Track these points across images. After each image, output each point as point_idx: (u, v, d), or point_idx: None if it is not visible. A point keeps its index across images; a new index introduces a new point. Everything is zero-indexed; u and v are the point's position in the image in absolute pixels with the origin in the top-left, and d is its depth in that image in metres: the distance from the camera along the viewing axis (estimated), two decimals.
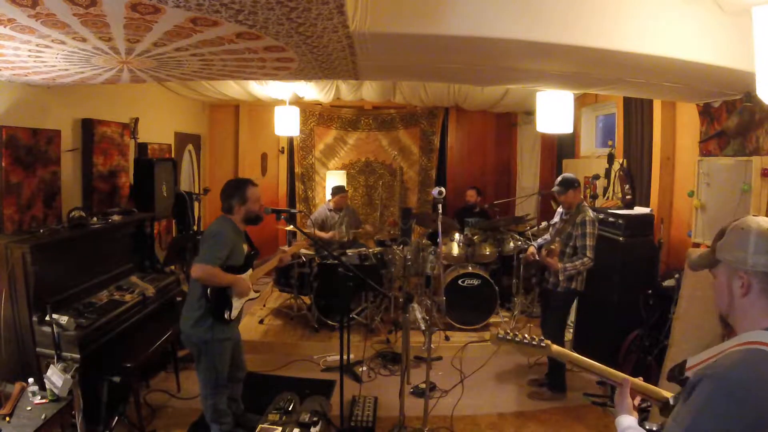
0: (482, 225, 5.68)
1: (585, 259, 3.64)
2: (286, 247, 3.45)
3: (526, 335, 1.67)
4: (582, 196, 3.91)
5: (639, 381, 1.51)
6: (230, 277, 2.83)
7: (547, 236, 4.17)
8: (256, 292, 3.14)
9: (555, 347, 1.64)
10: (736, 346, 1.16)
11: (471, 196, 6.44)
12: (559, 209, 4.04)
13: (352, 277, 3.32)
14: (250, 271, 3.05)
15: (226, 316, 2.86)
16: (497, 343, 1.69)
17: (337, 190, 5.75)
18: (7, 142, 3.08)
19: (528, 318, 5.22)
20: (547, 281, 3.90)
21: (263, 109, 6.85)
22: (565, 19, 2.40)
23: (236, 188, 2.96)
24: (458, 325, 4.99)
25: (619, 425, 1.41)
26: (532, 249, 4.02)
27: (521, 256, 5.07)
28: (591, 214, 3.73)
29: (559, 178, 3.88)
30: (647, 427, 1.45)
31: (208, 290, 2.81)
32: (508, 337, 1.67)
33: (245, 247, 3.03)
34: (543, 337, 1.65)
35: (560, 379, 3.90)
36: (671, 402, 1.42)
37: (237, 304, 2.93)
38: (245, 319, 5.18)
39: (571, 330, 4.68)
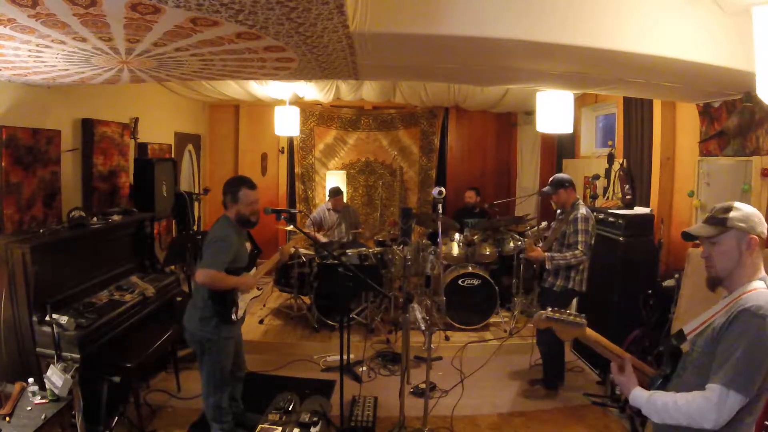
0: (482, 225, 5.68)
1: (577, 251, 3.63)
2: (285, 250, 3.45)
3: (569, 311, 1.76)
4: (577, 195, 3.90)
5: (634, 358, 1.73)
6: (234, 279, 2.83)
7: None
8: (259, 289, 3.14)
9: (588, 329, 1.77)
10: (748, 292, 1.50)
11: (470, 197, 6.45)
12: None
13: (352, 277, 3.32)
14: (254, 269, 3.06)
15: (233, 317, 2.87)
16: (545, 323, 1.78)
17: (333, 193, 5.74)
18: (7, 142, 3.08)
19: (528, 318, 5.21)
20: (545, 280, 3.90)
21: (263, 109, 6.85)
22: (565, 19, 2.41)
23: (229, 186, 2.93)
24: (458, 325, 4.99)
25: (640, 397, 1.58)
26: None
27: (523, 255, 5.06)
28: (584, 210, 3.72)
29: (551, 179, 3.89)
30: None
31: (215, 293, 2.81)
32: (556, 316, 1.76)
33: (248, 246, 3.03)
34: (581, 314, 1.76)
35: (554, 374, 3.92)
36: (663, 372, 1.67)
37: (242, 303, 2.94)
38: (245, 319, 5.18)
39: None
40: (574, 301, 4.14)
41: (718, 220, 1.59)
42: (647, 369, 1.73)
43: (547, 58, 2.79)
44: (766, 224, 1.58)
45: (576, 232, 3.67)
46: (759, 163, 3.33)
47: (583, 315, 1.76)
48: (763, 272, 1.57)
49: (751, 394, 1.41)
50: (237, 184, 2.95)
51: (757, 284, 1.53)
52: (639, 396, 1.58)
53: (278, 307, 5.57)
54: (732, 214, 1.57)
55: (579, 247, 3.64)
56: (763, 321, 1.41)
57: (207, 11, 1.82)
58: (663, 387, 1.62)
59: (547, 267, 3.74)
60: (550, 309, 1.77)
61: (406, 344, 3.25)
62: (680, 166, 4.41)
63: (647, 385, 1.67)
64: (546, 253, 3.72)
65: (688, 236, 1.67)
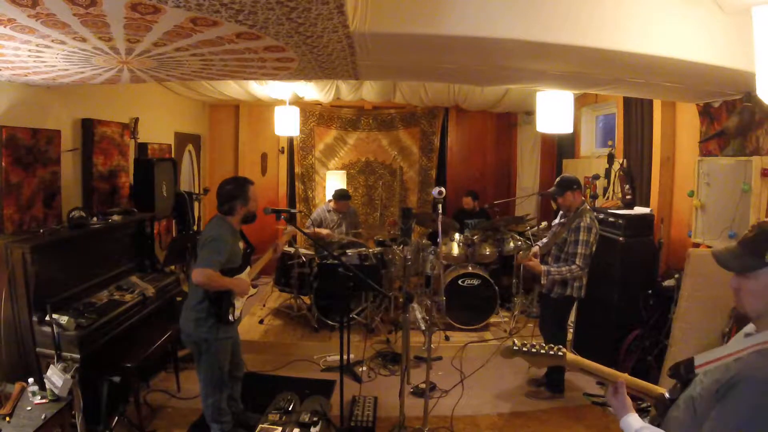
0: (482, 225, 5.68)
1: (573, 266, 3.54)
2: (280, 242, 3.44)
3: (542, 345, 1.60)
4: (583, 198, 3.79)
5: (632, 378, 1.55)
6: (229, 280, 2.83)
7: (545, 239, 4.11)
8: (254, 287, 3.15)
9: (570, 356, 1.60)
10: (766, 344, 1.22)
11: (467, 203, 6.39)
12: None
13: (352, 277, 3.32)
14: (248, 268, 3.06)
15: (230, 318, 2.88)
16: (511, 355, 1.61)
17: (340, 197, 5.65)
18: (7, 142, 3.08)
19: (528, 318, 5.22)
20: (542, 285, 3.82)
21: (263, 109, 6.85)
22: (565, 19, 2.41)
23: (239, 189, 2.95)
24: (458, 325, 4.99)
25: (630, 426, 1.43)
26: (535, 250, 3.99)
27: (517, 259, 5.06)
28: (588, 219, 3.59)
29: (558, 179, 3.81)
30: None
31: (211, 294, 2.81)
32: (524, 349, 1.59)
33: (241, 245, 3.04)
34: (555, 345, 1.60)
35: (559, 380, 3.89)
36: (668, 396, 1.46)
37: (238, 303, 2.94)
38: (245, 319, 5.19)
39: (571, 330, 4.68)
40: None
41: (756, 250, 1.27)
42: (649, 389, 1.56)
43: (547, 58, 2.79)
44: None
45: (576, 242, 3.56)
46: (759, 163, 3.33)
47: (560, 347, 1.60)
48: None
49: None
50: (242, 186, 2.97)
51: None
52: (629, 426, 1.44)
53: (278, 307, 5.57)
54: None
55: (577, 261, 3.54)
56: (763, 400, 1.16)
57: (207, 11, 1.82)
58: (665, 412, 1.47)
59: (542, 282, 3.68)
60: (516, 341, 1.62)
61: (406, 344, 3.25)
62: (680, 166, 4.41)
63: (656, 404, 1.52)
64: (543, 267, 3.64)
65: (717, 260, 1.39)
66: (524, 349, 1.59)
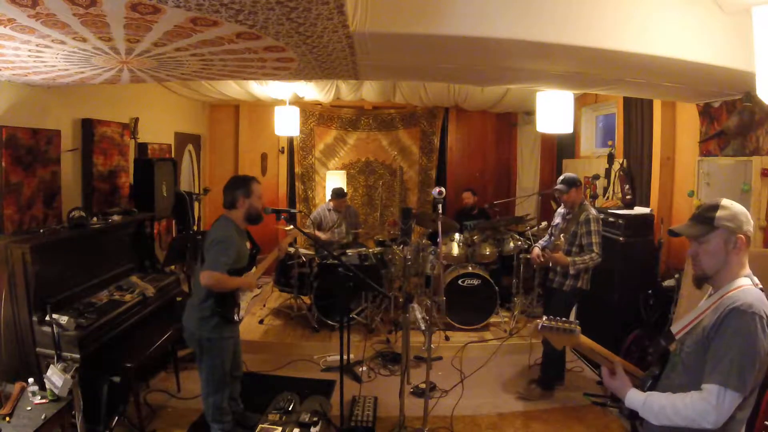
0: (482, 225, 5.68)
1: (593, 254, 3.66)
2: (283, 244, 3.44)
3: (563, 319, 1.73)
4: (583, 195, 3.94)
5: (623, 361, 1.74)
6: (238, 280, 2.83)
7: (546, 238, 4.18)
8: (258, 288, 3.15)
9: (582, 336, 1.75)
10: (735, 290, 1.52)
11: (467, 198, 6.46)
12: (560, 209, 4.04)
13: (352, 277, 3.32)
14: (253, 268, 3.06)
15: (235, 317, 2.88)
16: (541, 333, 1.75)
17: (336, 195, 5.70)
18: (7, 142, 3.08)
19: (528, 318, 5.22)
20: (552, 281, 3.89)
21: (263, 109, 6.85)
22: (565, 19, 2.41)
23: (241, 182, 2.96)
24: (458, 325, 4.99)
25: (636, 399, 1.58)
26: (537, 250, 4.00)
27: (523, 256, 5.07)
28: (593, 211, 3.76)
29: (561, 177, 3.90)
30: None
31: (215, 293, 2.81)
32: (551, 324, 1.72)
33: (248, 245, 3.04)
34: (575, 321, 1.74)
35: (553, 374, 3.93)
36: (651, 373, 1.68)
37: (243, 303, 2.95)
38: (245, 319, 5.19)
39: None
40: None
41: (705, 219, 1.58)
42: (638, 371, 1.72)
43: (547, 58, 2.79)
44: (752, 222, 1.58)
45: (590, 233, 3.69)
46: (759, 163, 3.33)
47: (577, 321, 1.74)
48: (748, 269, 1.57)
49: (746, 392, 1.43)
50: (246, 179, 2.99)
51: (743, 281, 1.54)
52: (635, 399, 1.58)
53: (278, 307, 5.57)
54: (719, 213, 1.56)
55: (595, 249, 3.66)
56: (754, 319, 1.42)
57: (207, 11, 1.82)
58: (653, 388, 1.61)
59: (570, 272, 3.72)
60: (545, 318, 1.75)
61: (406, 344, 3.25)
62: (680, 166, 4.41)
63: (638, 386, 1.67)
64: (569, 258, 3.70)
65: (674, 234, 1.66)
66: (552, 324, 1.73)
